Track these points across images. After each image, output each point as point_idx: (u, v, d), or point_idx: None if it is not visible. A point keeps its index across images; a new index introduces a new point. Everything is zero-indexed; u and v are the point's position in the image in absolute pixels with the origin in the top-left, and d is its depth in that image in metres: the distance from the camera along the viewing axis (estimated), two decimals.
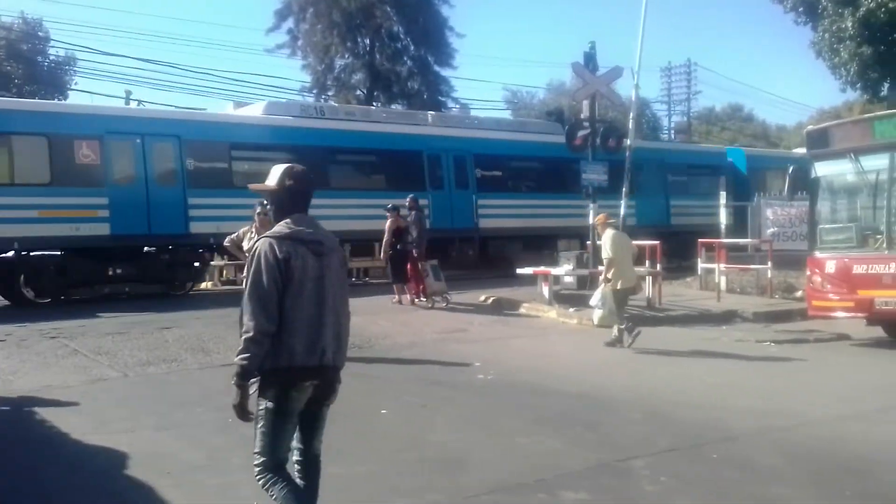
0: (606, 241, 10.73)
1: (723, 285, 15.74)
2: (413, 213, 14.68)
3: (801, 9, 20.14)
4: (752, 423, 6.71)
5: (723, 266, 16.02)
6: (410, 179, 18.85)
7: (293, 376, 3.73)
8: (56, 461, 5.79)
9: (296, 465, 3.93)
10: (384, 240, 14.69)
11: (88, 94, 58.79)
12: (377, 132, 19.37)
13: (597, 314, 10.83)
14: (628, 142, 14.72)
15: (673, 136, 52.17)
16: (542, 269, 14.81)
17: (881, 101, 20.12)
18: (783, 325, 12.78)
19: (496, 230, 20.40)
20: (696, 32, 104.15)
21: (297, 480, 3.88)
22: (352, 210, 17.40)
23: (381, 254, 15.05)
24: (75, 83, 37.73)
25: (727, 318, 13.49)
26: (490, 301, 14.69)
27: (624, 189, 14.15)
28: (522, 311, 13.95)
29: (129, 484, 5.17)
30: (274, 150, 17.79)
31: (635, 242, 11.92)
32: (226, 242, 10.48)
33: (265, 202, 7.97)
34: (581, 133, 14.75)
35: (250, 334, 3.62)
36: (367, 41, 39.43)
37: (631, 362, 9.86)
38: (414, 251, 14.13)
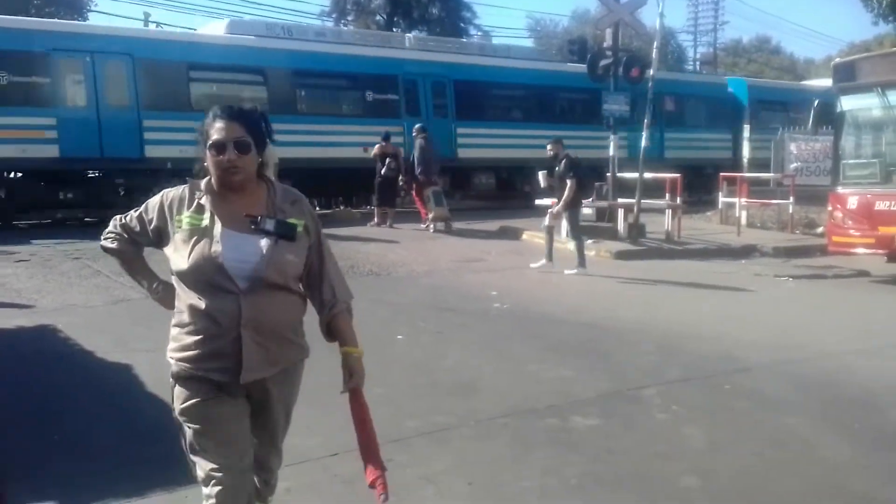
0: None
1: (743, 220, 15.64)
2: (417, 140, 14.94)
3: None
4: (766, 355, 6.74)
5: (744, 200, 15.90)
6: (383, 106, 18.45)
7: None
8: (77, 377, 5.94)
9: None
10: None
11: (107, 15, 58.43)
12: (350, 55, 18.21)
13: None
14: (651, 72, 14.40)
15: (698, 67, 51.18)
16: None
17: None
18: (803, 260, 12.72)
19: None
20: None
21: None
22: (316, 136, 16.80)
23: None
24: (95, 4, 37.38)
25: (746, 252, 13.44)
26: (505, 231, 14.70)
27: (645, 121, 13.93)
28: (539, 241, 13.93)
29: (147, 401, 5.29)
30: (236, 70, 17.02)
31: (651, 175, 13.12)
32: None
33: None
34: (603, 62, 14.48)
35: None
36: None
37: (646, 295, 9.88)
38: (419, 177, 14.78)
